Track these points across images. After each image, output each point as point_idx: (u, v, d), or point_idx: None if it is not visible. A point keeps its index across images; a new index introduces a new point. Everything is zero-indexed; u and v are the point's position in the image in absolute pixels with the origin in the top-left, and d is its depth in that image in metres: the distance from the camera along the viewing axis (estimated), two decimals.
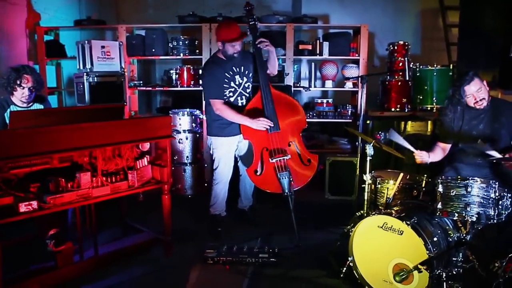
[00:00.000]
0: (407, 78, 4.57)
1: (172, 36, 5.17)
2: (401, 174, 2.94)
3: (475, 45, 5.03)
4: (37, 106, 3.28)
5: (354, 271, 2.72)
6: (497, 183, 2.39)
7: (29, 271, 2.70)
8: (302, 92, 6.18)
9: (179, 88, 5.11)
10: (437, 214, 2.46)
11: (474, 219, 2.36)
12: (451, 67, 5.11)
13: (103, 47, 4.21)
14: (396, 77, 5.16)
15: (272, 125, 3.43)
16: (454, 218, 2.45)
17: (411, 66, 5.13)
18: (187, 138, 4.55)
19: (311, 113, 5.31)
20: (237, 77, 3.56)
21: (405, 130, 4.88)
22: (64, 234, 2.86)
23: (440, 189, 2.45)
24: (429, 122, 4.80)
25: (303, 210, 4.24)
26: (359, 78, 3.86)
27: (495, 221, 2.38)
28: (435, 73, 5.00)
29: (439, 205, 2.44)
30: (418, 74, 5.07)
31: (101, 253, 2.98)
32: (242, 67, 3.58)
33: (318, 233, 3.67)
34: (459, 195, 2.38)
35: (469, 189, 2.35)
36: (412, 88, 5.16)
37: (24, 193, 2.56)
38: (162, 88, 5.37)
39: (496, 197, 2.37)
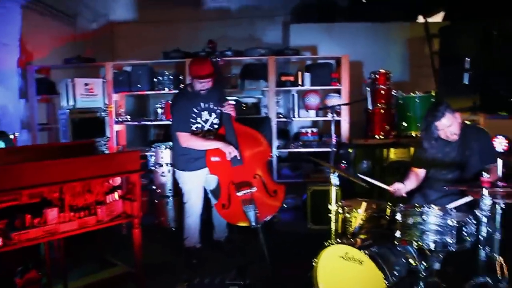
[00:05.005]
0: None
1: (157, 71, 5.32)
2: (364, 204, 2.94)
3: (455, 72, 5.09)
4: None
5: None
6: (454, 210, 2.38)
7: None
8: (292, 123, 6.25)
9: (164, 122, 5.22)
10: (396, 243, 2.45)
11: (432, 247, 2.35)
12: (432, 94, 5.15)
13: (86, 84, 4.36)
14: (379, 104, 5.21)
15: (237, 156, 3.49)
16: (413, 247, 2.44)
17: (393, 93, 5.19)
18: (169, 171, 4.60)
19: (295, 143, 5.38)
20: (204, 113, 3.59)
21: (388, 157, 4.87)
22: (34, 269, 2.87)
23: (399, 217, 2.45)
24: (411, 148, 4.80)
25: (284, 239, 4.25)
26: (331, 108, 3.91)
27: (453, 248, 2.36)
28: (417, 100, 5.02)
29: (398, 234, 2.44)
30: (401, 102, 5.11)
31: None
32: (211, 103, 3.61)
33: (294, 263, 3.63)
34: (416, 223, 2.38)
35: (424, 217, 2.35)
36: (397, 115, 5.21)
37: None
38: (148, 122, 5.48)
39: (454, 225, 2.36)
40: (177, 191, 4.66)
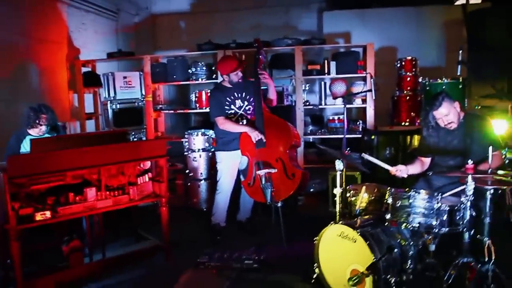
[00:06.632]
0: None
1: (195, 61, 5.66)
2: (363, 188, 3.15)
3: (483, 57, 5.04)
4: (48, 134, 3.79)
5: (321, 277, 2.96)
6: (441, 195, 2.55)
7: (45, 270, 3.23)
8: (326, 110, 6.42)
9: (198, 110, 5.61)
10: (386, 224, 2.66)
11: (416, 228, 2.54)
12: (460, 80, 5.12)
13: (125, 77, 4.81)
14: (405, 91, 5.28)
15: (263, 139, 3.87)
16: (402, 228, 2.64)
17: (419, 80, 5.24)
18: (200, 156, 4.98)
19: (322, 130, 5.61)
20: (237, 101, 4.10)
21: (411, 144, 4.95)
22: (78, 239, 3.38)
23: (389, 201, 2.66)
24: None
25: (304, 221, 4.51)
26: (349, 96, 4.10)
27: (439, 230, 2.53)
28: (444, 87, 5.03)
29: (388, 216, 2.65)
30: (428, 88, 5.13)
31: (108, 256, 3.46)
32: (244, 93, 4.11)
33: (309, 243, 3.90)
34: (404, 206, 2.58)
35: (411, 200, 2.55)
36: (424, 102, 5.24)
37: (42, 205, 3.11)
38: (183, 111, 5.90)
39: (442, 208, 2.54)
40: (209, 175, 5.06)
